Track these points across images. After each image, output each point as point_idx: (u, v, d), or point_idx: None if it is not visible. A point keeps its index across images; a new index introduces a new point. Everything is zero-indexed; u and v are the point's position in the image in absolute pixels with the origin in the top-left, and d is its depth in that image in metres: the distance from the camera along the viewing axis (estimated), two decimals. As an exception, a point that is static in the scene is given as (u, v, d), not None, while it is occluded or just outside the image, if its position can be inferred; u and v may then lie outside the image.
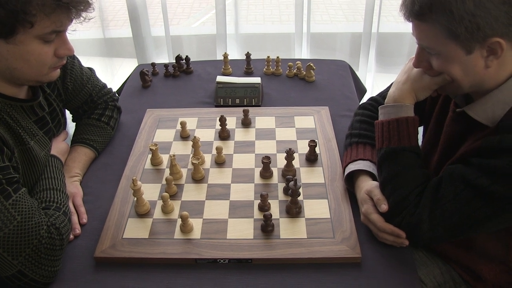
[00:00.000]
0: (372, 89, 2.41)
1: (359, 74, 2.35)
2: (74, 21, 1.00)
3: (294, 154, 1.21)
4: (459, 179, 0.93)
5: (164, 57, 2.48)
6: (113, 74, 2.53)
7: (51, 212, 1.02)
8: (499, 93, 0.94)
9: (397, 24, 2.76)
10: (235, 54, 2.42)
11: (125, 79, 1.80)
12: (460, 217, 0.92)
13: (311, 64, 1.68)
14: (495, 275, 1.09)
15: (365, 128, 1.23)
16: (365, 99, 1.73)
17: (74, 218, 1.12)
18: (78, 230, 1.10)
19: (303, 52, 2.36)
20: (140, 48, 2.37)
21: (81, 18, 1.00)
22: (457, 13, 0.84)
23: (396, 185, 1.00)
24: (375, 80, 2.44)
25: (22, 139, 1.06)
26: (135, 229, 1.09)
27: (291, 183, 1.08)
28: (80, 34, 1.09)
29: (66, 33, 1.03)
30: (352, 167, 1.15)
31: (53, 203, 1.06)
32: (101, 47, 2.50)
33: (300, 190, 1.13)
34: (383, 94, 1.29)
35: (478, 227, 0.94)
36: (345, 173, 1.16)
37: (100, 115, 1.39)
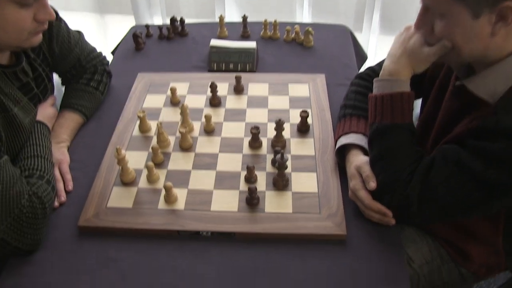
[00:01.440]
0: (375, 55, 2.32)
1: (362, 37, 2.26)
2: None
3: (284, 125, 1.17)
4: (453, 161, 0.89)
5: (160, 18, 2.40)
6: (105, 33, 2.45)
7: (34, 181, 1.00)
8: (505, 65, 0.88)
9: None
10: (235, 16, 2.33)
11: (119, 40, 1.75)
12: (450, 200, 0.89)
13: (310, 29, 1.61)
14: (484, 255, 1.07)
15: (360, 99, 1.18)
16: (365, 67, 1.67)
17: (60, 185, 1.11)
18: (63, 197, 1.09)
19: (304, 15, 2.27)
20: (136, 6, 2.29)
21: None
22: None
23: (386, 163, 0.97)
24: (379, 44, 2.35)
25: (4, 106, 1.03)
26: (120, 198, 1.08)
27: (278, 156, 1.05)
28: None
29: None
30: (343, 140, 1.11)
31: (37, 171, 1.04)
32: (94, 2, 2.41)
33: (289, 162, 1.11)
34: (382, 64, 1.23)
35: (470, 210, 0.91)
36: (336, 146, 1.13)
37: (89, 79, 1.36)
